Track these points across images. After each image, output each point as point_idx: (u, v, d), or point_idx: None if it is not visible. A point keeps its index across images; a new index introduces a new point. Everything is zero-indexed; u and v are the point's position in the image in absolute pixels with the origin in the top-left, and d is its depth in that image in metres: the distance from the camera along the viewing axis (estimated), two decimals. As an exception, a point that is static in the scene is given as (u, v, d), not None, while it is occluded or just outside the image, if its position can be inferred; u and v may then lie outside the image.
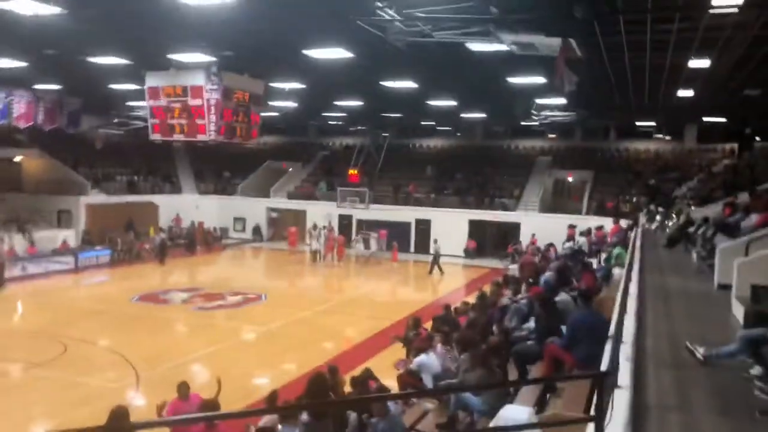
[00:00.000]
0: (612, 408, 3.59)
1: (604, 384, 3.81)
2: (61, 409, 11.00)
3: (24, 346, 14.92)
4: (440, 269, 26.57)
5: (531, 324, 9.51)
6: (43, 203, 29.71)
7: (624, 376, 4.21)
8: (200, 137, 17.63)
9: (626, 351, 4.84)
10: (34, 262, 24.36)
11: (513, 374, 7.80)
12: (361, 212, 33.22)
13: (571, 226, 23.71)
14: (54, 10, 11.99)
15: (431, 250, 27.75)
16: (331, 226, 32.79)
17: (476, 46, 12.83)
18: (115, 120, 31.61)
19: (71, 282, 23.94)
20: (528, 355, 7.38)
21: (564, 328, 7.59)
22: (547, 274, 14.13)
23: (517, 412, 4.25)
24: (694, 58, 14.61)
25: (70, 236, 27.75)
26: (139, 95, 22.69)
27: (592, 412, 3.84)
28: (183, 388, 8.23)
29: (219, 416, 6.51)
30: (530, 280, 15.22)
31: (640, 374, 4.75)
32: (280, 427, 6.65)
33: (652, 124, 32.89)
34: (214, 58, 16.79)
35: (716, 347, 5.34)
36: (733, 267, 7.69)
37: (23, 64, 18.95)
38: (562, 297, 10.19)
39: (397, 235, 31.63)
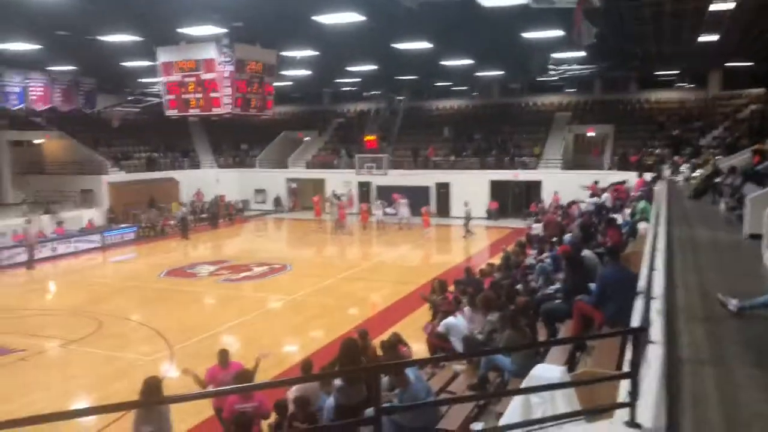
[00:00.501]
0: (646, 363, 3.57)
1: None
2: (100, 383, 11.32)
3: (60, 323, 15.32)
4: (469, 231, 26.46)
5: (557, 284, 9.49)
6: (66, 184, 30.14)
7: (656, 331, 4.17)
8: (216, 110, 17.62)
9: (657, 305, 4.78)
10: (62, 242, 24.81)
11: (542, 334, 7.81)
12: (379, 178, 33.16)
13: (594, 182, 23.44)
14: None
15: (463, 213, 27.50)
16: (351, 194, 32.86)
17: (490, 1, 12.55)
18: (130, 98, 31.71)
19: (100, 260, 24.40)
20: (556, 314, 7.37)
21: (591, 285, 7.55)
22: (571, 233, 14.05)
23: (548, 370, 4.25)
24: (717, 1, 14.12)
25: (95, 215, 28.18)
26: (152, 72, 22.69)
27: (625, 369, 3.83)
28: (223, 355, 8.36)
29: (255, 386, 6.64)
30: (554, 239, 15.15)
31: (672, 329, 4.71)
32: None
33: (674, 72, 32.08)
34: (224, 30, 16.65)
35: (749, 298, 5.26)
36: (763, 216, 7.52)
37: (37, 46, 19.01)
38: (587, 254, 10.10)
39: (417, 200, 31.54)
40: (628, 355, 3.58)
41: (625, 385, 3.35)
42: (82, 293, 18.36)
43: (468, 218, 26.79)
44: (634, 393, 3.13)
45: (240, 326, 14.77)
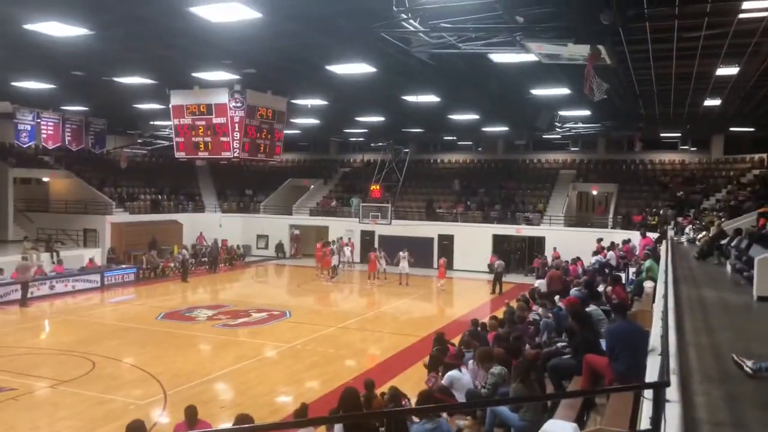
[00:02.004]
0: (664, 423, 3.42)
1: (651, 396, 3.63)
2: (89, 426, 10.99)
3: (52, 363, 15.01)
4: (500, 287, 25.90)
5: (564, 339, 9.31)
6: (70, 222, 30.15)
7: (672, 390, 4.02)
8: (225, 154, 17.77)
9: (671, 364, 4.64)
10: (60, 280, 24.61)
11: (548, 391, 7.58)
12: (383, 228, 33.14)
13: (599, 240, 23.41)
14: (82, 31, 12.21)
15: (491, 268, 27.15)
16: (351, 242, 32.73)
17: (500, 57, 12.78)
18: (139, 140, 32.08)
19: (98, 300, 24.14)
20: (565, 370, 7.18)
21: (601, 342, 7.39)
22: (575, 289, 13.92)
23: (561, 426, 4.08)
24: (722, 66, 14.38)
25: (96, 255, 28.05)
26: (162, 114, 23.01)
27: (643, 426, 3.67)
28: (191, 413, 7.86)
29: (248, 429, 6.38)
30: (557, 296, 14.99)
31: (687, 388, 4.55)
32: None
33: (678, 134, 32.46)
34: (237, 76, 16.95)
35: (765, 360, 5.11)
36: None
37: (51, 86, 19.34)
38: (593, 310, 9.98)
39: (419, 251, 31.41)
40: (647, 412, 3.43)
41: (644, 445, 3.19)
42: (77, 333, 18.07)
43: (500, 273, 26.15)
44: (655, 453, 2.98)
45: (236, 373, 14.44)
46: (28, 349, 16.40)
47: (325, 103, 21.31)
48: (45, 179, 32.72)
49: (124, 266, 28.26)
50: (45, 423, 11.24)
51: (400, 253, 28.33)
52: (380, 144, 36.28)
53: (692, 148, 34.78)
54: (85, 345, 16.54)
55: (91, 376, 13.95)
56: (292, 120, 24.49)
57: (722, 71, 14.81)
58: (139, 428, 6.43)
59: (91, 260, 27.03)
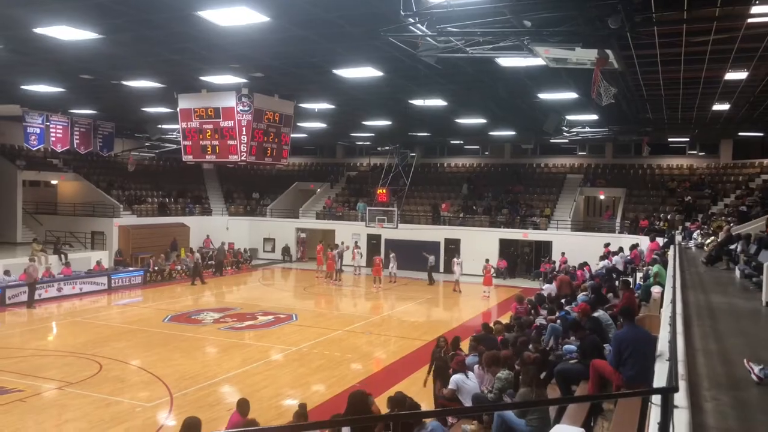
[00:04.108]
0: (672, 429, 3.40)
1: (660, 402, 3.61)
2: (96, 428, 11.01)
3: (59, 365, 15.06)
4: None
5: (570, 345, 9.27)
6: (78, 225, 30.32)
7: (680, 395, 4.00)
8: (232, 158, 17.83)
9: (679, 370, 4.61)
10: (68, 282, 24.73)
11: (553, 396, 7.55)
12: (389, 232, 33.10)
13: (606, 245, 23.33)
14: (91, 35, 12.30)
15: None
16: (357, 245, 32.70)
17: (507, 61, 12.79)
18: (147, 143, 32.23)
19: (105, 302, 24.23)
20: (572, 375, 7.14)
21: (606, 346, 7.35)
22: (583, 294, 13.87)
23: (568, 431, 4.06)
24: (731, 71, 14.34)
25: (103, 257, 28.16)
26: (170, 118, 23.14)
27: (650, 433, 3.64)
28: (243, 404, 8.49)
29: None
30: (563, 300, 14.94)
31: (696, 394, 4.52)
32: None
33: (686, 139, 32.34)
34: (244, 80, 17.03)
35: (774, 366, 5.06)
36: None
37: (60, 89, 19.47)
38: (601, 315, 9.94)
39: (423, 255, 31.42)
40: (654, 417, 3.41)
41: (652, 450, 3.17)
42: (84, 335, 18.14)
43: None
44: (663, 459, 2.96)
45: (242, 375, 14.46)
46: (35, 351, 16.48)
47: (332, 106, 21.37)
48: (53, 182, 32.92)
49: (131, 269, 28.37)
50: (52, 425, 11.28)
51: (391, 254, 28.77)
52: (387, 148, 36.28)
53: (700, 153, 34.63)
54: (92, 347, 16.61)
55: (98, 378, 14.00)
56: (299, 124, 24.58)
57: (731, 75, 14.76)
58: (195, 426, 6.69)
59: (98, 263, 27.13)
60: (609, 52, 8.55)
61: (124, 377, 14.18)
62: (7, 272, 23.04)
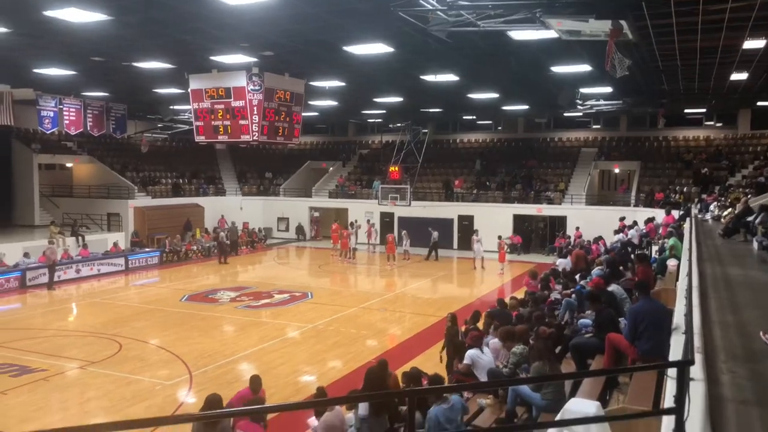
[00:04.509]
0: (688, 401, 3.40)
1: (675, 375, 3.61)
2: (118, 405, 11.24)
3: (80, 344, 15.35)
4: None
5: (585, 319, 9.28)
6: (94, 207, 30.61)
7: (696, 368, 3.99)
8: (244, 137, 17.85)
9: (695, 342, 4.60)
10: (86, 264, 25.06)
11: (568, 370, 7.58)
12: (402, 209, 33.09)
13: (621, 219, 23.20)
14: (100, 16, 12.28)
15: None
16: (358, 225, 32.63)
17: (520, 34, 12.60)
18: (160, 125, 32.34)
19: (122, 283, 24.56)
20: (587, 349, 7.15)
21: (622, 320, 7.35)
22: (598, 268, 13.83)
23: (584, 405, 4.08)
24: (749, 39, 14.03)
25: (120, 238, 28.45)
26: (182, 99, 23.16)
27: (663, 406, 3.65)
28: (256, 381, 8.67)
29: (283, 407, 6.53)
30: (578, 274, 14.91)
31: (712, 367, 4.51)
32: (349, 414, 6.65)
33: (703, 110, 31.84)
34: (255, 59, 16.96)
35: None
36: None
37: (72, 72, 19.53)
38: (615, 289, 9.92)
39: (439, 232, 31.40)
40: (670, 390, 3.41)
41: (668, 423, 3.18)
42: (103, 315, 18.44)
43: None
44: (679, 431, 2.97)
45: (259, 353, 14.65)
46: (56, 331, 16.79)
47: (342, 84, 21.24)
48: (68, 164, 33.18)
49: (147, 249, 28.67)
50: (75, 403, 11.53)
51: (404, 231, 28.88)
52: (399, 125, 36.12)
53: (718, 124, 34.08)
54: (112, 327, 16.88)
55: (118, 357, 14.25)
56: (310, 102, 24.50)
57: (749, 44, 14.46)
58: (218, 402, 6.95)
59: (115, 244, 27.43)
60: (623, 22, 8.40)
61: (143, 356, 14.42)
62: (26, 254, 23.39)
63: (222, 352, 14.58)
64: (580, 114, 30.51)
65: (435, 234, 29.71)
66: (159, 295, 22.12)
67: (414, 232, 30.49)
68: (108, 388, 12.20)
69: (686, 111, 31.68)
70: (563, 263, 17.83)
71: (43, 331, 16.78)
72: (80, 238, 26.70)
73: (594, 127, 36.59)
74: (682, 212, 21.10)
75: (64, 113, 25.35)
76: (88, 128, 26.59)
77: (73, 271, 24.35)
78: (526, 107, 29.10)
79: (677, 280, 9.43)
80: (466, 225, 32.54)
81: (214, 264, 28.48)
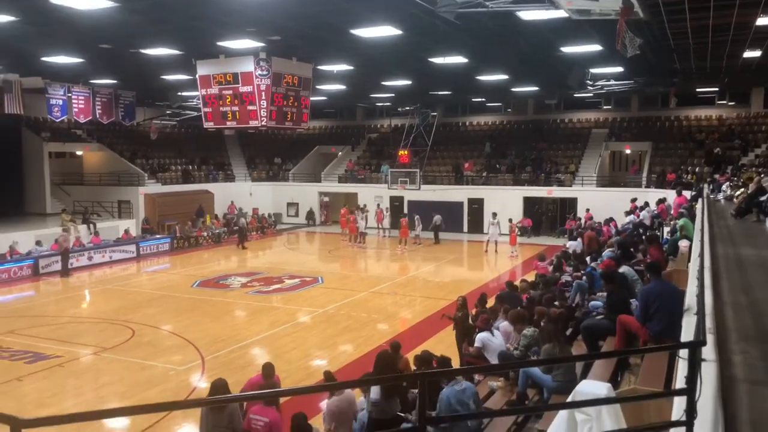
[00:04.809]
0: (700, 382, 3.39)
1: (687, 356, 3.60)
2: (132, 390, 11.39)
3: (94, 331, 15.53)
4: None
5: (596, 301, 9.27)
6: (104, 194, 30.83)
7: (708, 349, 3.98)
8: (252, 123, 17.84)
9: (707, 323, 4.58)
10: (98, 251, 25.28)
11: (579, 352, 7.59)
12: (412, 193, 33.04)
13: (633, 200, 23.07)
14: (106, 3, 12.27)
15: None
16: (380, 210, 32.68)
17: (529, 14, 12.46)
18: (168, 111, 32.37)
19: (134, 269, 24.78)
20: (598, 331, 7.16)
21: (633, 302, 7.33)
22: (609, 250, 13.78)
23: (595, 386, 4.08)
24: (762, 15, 13.80)
25: (130, 226, 28.66)
26: (190, 85, 23.14)
27: (675, 387, 3.65)
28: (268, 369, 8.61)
29: (292, 391, 6.56)
30: (589, 256, 14.87)
31: (724, 347, 4.50)
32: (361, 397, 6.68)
33: (715, 89, 31.45)
34: (262, 44, 16.90)
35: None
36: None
37: (80, 60, 19.55)
38: (626, 270, 9.89)
39: (449, 216, 31.37)
40: (682, 371, 3.41)
41: (679, 403, 3.18)
42: (116, 302, 18.62)
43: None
44: (690, 411, 2.97)
45: (271, 338, 14.77)
46: (70, 318, 16.98)
47: (350, 68, 21.14)
48: (78, 152, 33.39)
49: (158, 236, 28.87)
50: (90, 388, 11.70)
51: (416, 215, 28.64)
52: (407, 108, 35.96)
53: (730, 103, 33.67)
54: (124, 313, 17.06)
55: (132, 343, 14.42)
56: (318, 86, 24.41)
57: (763, 20, 14.22)
58: (223, 386, 6.97)
59: (126, 231, 27.63)
60: (634, 1, 8.28)
61: (156, 342, 14.58)
62: (38, 242, 23.62)
63: (234, 337, 14.71)
64: (591, 94, 30.21)
65: (437, 217, 29.82)
66: (170, 281, 22.30)
67: (425, 216, 30.46)
68: (122, 373, 12.36)
69: (698, 90, 31.31)
70: (574, 245, 17.79)
71: (56, 318, 16.98)
72: (92, 225, 26.92)
73: (605, 107, 36.29)
74: (694, 193, 20.94)
75: (73, 101, 25.44)
76: (97, 116, 26.66)
77: (86, 258, 24.58)
78: (535, 88, 28.86)
79: (689, 260, 9.38)
80: (476, 208, 32.49)
81: (224, 250, 28.65)
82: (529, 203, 31.97)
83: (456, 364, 8.79)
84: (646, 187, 29.08)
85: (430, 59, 19.44)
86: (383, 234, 32.22)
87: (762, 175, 17.33)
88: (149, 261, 26.32)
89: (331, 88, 27.15)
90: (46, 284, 21.78)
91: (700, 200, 18.14)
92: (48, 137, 30.44)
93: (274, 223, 35.55)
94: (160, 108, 32.80)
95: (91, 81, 25.48)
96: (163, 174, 33.91)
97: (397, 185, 32.63)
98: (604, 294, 8.88)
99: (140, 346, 14.13)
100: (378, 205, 33.33)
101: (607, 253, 13.23)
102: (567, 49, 17.55)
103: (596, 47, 16.79)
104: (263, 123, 17.93)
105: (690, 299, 5.71)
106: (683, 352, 3.98)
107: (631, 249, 13.22)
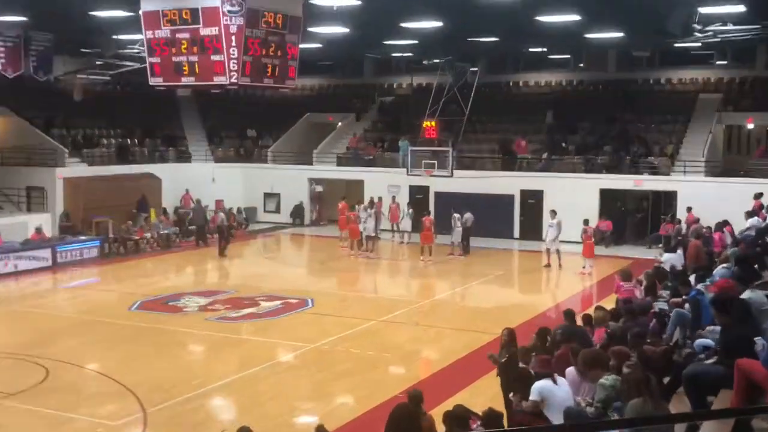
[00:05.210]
0: None
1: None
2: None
3: (-8, 370, 15.65)
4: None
5: (705, 339, 9.24)
6: (7, 178, 30.94)
7: None
8: (218, 80, 17.83)
9: None
10: (-1, 258, 25.43)
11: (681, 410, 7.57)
12: (441, 182, 32.96)
13: (757, 196, 22.94)
14: None
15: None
16: (395, 204, 32.52)
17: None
18: (99, 62, 32.49)
19: (49, 284, 24.95)
20: (707, 380, 7.13)
21: (759, 341, 7.30)
22: (723, 266, 13.71)
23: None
24: None
25: (44, 222, 28.74)
26: (130, 25, 23.24)
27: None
28: None
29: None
30: (692, 276, 14.79)
31: None
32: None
33: None
34: (233, -33, 16.91)
35: None
36: None
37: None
38: (753, 296, 9.84)
39: (494, 214, 31.29)
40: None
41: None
42: (24, 330, 18.75)
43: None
44: None
45: (240, 383, 14.80)
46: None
47: (357, 2, 21.15)
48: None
49: (83, 238, 28.99)
50: (-14, 450, 11.80)
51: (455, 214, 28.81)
52: (436, 62, 35.91)
53: None
54: (35, 346, 17.10)
55: (44, 387, 14.45)
56: (310, 29, 24.43)
57: None
58: None
59: (38, 230, 27.76)
60: None
61: (79, 386, 14.67)
62: None
63: (188, 381, 14.74)
64: (699, 45, 30.04)
65: (467, 216, 29.17)
66: (100, 301, 22.45)
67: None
68: (30, 429, 12.43)
69: None
70: (672, 259, 17.73)
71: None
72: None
73: (718, 63, 36.15)
74: None
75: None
76: (0, 68, 26.83)
77: (-19, 267, 24.77)
78: (620, 35, 28.74)
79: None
80: (532, 204, 32.42)
81: (176, 258, 28.77)
82: (608, 198, 31.86)
83: (504, 423, 8.78)
84: (777, 177, 28.93)
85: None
86: (400, 239, 32.22)
87: None
88: (70, 272, 26.46)
89: (330, 32, 27.18)
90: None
91: None
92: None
93: (245, 222, 35.64)
94: (87, 57, 32.95)
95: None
96: (91, 150, 34.09)
97: (420, 170, 32.59)
98: (717, 329, 8.83)
99: (57, 392, 14.21)
100: (393, 197, 33.28)
101: (720, 270, 13.14)
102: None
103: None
104: (233, 80, 17.92)
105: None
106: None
107: (756, 265, 13.14)
